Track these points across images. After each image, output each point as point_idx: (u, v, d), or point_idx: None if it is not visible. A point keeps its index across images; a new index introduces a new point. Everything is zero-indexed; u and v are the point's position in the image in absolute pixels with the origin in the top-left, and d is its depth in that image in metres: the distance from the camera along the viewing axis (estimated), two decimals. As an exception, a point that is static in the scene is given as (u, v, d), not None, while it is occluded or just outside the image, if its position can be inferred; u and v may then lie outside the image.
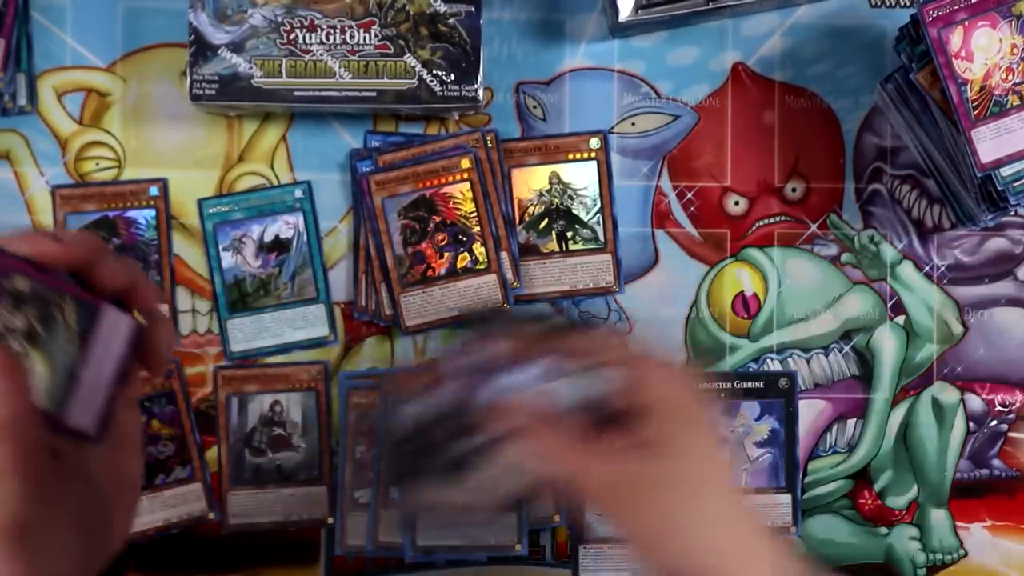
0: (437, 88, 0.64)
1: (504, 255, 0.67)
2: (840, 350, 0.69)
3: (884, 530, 0.69)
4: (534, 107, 0.69)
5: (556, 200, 0.68)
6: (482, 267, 0.67)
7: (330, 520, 0.67)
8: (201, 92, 0.63)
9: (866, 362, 0.69)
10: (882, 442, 0.69)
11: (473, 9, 0.64)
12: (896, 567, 0.69)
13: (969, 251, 0.70)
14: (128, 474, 0.41)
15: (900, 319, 0.69)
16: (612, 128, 0.69)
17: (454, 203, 0.67)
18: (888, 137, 0.70)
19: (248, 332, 0.67)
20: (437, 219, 0.67)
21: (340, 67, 0.63)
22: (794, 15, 0.69)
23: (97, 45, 0.67)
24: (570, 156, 0.68)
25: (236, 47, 0.63)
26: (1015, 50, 0.60)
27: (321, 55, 0.63)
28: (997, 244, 0.70)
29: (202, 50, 0.63)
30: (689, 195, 0.69)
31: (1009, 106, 0.60)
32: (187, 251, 0.67)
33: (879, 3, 0.69)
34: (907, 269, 0.69)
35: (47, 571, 0.35)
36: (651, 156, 0.69)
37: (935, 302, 0.69)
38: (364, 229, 0.67)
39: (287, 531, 0.67)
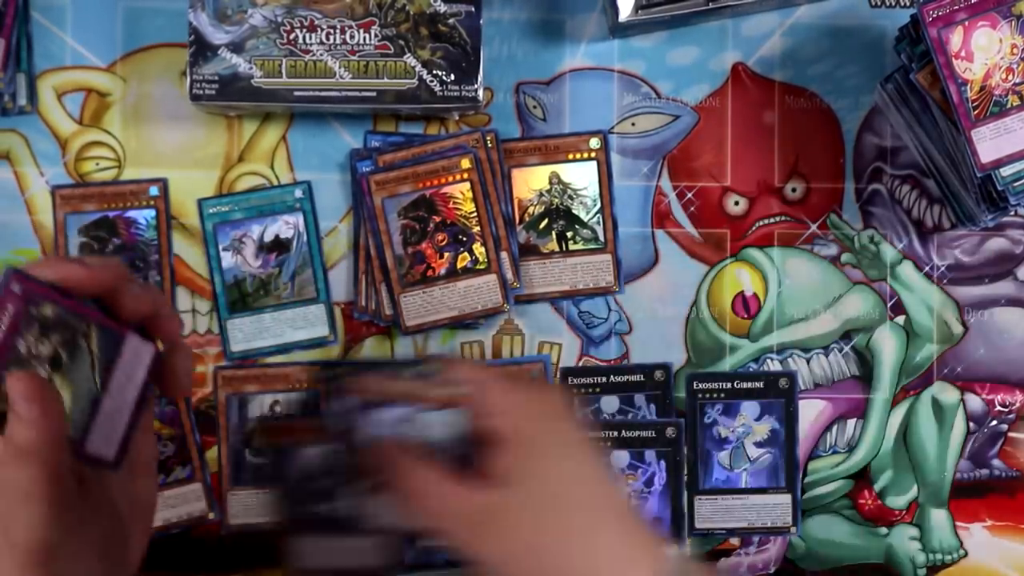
0: (437, 88, 0.64)
1: (504, 255, 0.67)
2: (840, 350, 0.69)
3: (884, 530, 0.69)
4: (534, 107, 0.68)
5: (556, 200, 0.68)
6: (482, 267, 0.67)
7: (330, 520, 0.67)
8: (201, 92, 0.63)
9: (866, 362, 0.69)
10: (882, 442, 0.69)
11: (473, 9, 0.64)
12: (896, 567, 0.69)
13: (969, 251, 0.70)
14: (144, 498, 0.41)
15: (900, 319, 0.69)
16: (612, 128, 0.69)
17: (454, 203, 0.67)
18: (888, 137, 0.69)
19: (248, 332, 0.67)
20: (437, 219, 0.67)
21: (340, 67, 0.63)
22: (794, 15, 0.69)
23: (97, 45, 0.67)
24: (570, 156, 0.68)
25: (236, 47, 0.63)
26: (1015, 50, 0.60)
27: (321, 55, 0.63)
28: (997, 244, 0.70)
29: (202, 50, 0.63)
30: (689, 195, 0.69)
31: (1009, 106, 0.60)
32: (187, 251, 0.67)
33: (879, 3, 0.69)
34: (907, 269, 0.69)
35: None
36: (651, 156, 0.69)
37: (935, 302, 0.69)
38: (364, 229, 0.67)
39: (287, 531, 0.67)
